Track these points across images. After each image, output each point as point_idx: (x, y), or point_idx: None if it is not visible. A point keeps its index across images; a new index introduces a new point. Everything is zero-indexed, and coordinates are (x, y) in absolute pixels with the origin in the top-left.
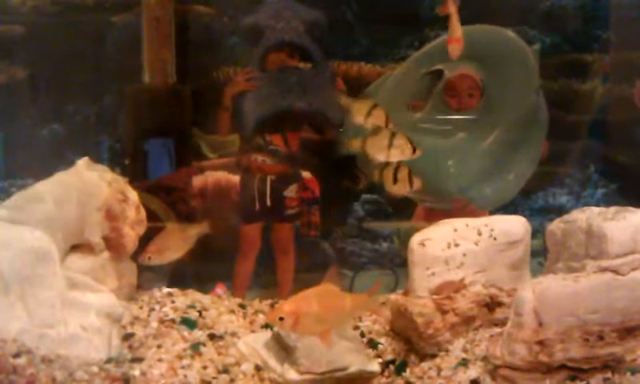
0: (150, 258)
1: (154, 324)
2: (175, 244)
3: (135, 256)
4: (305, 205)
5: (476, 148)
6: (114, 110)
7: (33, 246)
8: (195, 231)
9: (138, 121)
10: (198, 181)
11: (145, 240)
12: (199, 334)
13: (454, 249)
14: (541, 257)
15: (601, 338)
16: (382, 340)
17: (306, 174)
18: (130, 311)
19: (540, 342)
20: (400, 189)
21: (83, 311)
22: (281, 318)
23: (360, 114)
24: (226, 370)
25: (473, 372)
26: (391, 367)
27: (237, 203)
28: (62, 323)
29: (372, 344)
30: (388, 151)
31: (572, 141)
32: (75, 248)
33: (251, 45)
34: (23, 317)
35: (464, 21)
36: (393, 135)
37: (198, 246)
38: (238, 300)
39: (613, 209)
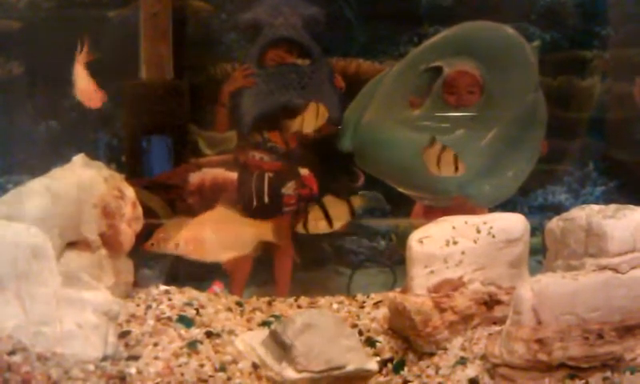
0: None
1: (151, 322)
2: None
3: (133, 252)
4: (303, 202)
5: (475, 145)
6: (111, 106)
7: (28, 243)
8: None
9: (135, 117)
10: (195, 178)
11: (141, 237)
12: (196, 332)
13: (453, 246)
14: (540, 255)
15: (600, 336)
16: (380, 338)
17: (304, 171)
18: (127, 309)
19: (539, 341)
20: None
21: (79, 309)
22: (177, 245)
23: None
24: (223, 368)
25: (471, 371)
26: (389, 366)
27: (234, 200)
28: (58, 321)
29: (370, 342)
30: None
31: (571, 138)
32: (71, 245)
33: (249, 41)
34: (19, 314)
35: (464, 18)
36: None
37: None
38: (236, 298)
39: (612, 206)
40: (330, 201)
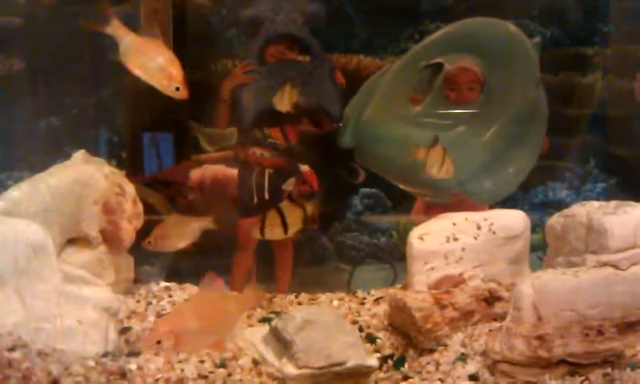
0: (150, 242)
1: (151, 318)
2: (178, 234)
3: (134, 248)
4: (303, 198)
5: (476, 142)
6: (112, 103)
7: (29, 240)
8: (199, 225)
9: (136, 113)
10: (195, 174)
11: (142, 234)
12: None
13: (453, 243)
14: (540, 251)
15: (600, 333)
16: (381, 334)
17: (305, 168)
18: (127, 305)
19: (539, 337)
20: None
21: (80, 305)
22: (159, 342)
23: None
24: (223, 365)
25: (471, 367)
26: (390, 362)
27: (235, 197)
28: (58, 317)
29: (370, 338)
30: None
31: (572, 135)
32: (72, 241)
33: (250, 37)
34: (19, 310)
35: (465, 14)
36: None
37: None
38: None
39: (613, 203)
40: (286, 207)
